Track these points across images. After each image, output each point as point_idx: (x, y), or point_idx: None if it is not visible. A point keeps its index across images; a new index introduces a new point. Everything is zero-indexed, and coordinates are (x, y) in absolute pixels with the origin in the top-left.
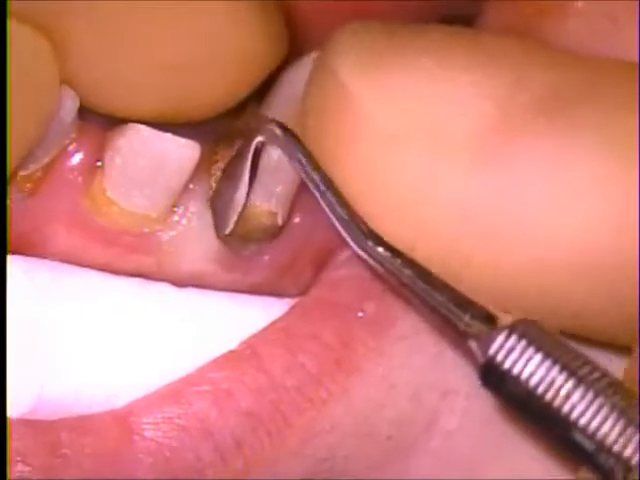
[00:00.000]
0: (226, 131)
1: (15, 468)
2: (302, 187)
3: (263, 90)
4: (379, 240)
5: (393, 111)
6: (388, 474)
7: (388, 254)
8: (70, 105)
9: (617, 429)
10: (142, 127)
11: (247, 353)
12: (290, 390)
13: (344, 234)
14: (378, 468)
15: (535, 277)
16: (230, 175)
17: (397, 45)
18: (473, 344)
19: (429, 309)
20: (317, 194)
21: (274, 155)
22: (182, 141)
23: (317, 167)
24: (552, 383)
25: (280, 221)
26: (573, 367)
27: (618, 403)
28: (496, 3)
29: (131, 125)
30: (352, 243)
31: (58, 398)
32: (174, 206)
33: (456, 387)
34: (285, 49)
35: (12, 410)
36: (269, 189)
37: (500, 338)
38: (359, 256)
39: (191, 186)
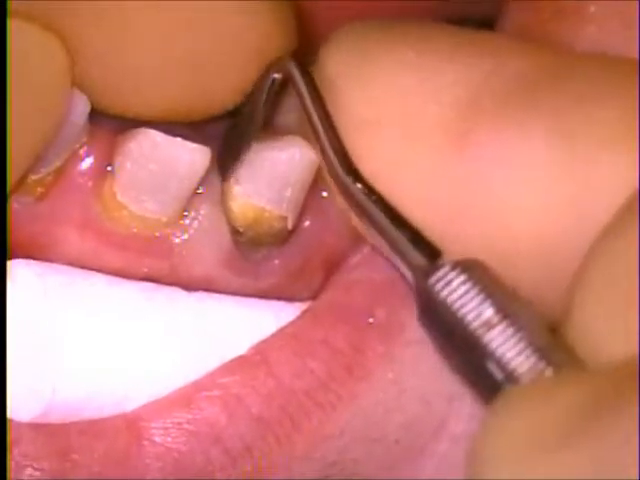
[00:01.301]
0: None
1: (24, 472)
2: (312, 191)
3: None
4: (359, 177)
5: (368, 98)
6: (397, 476)
7: (364, 190)
8: (81, 109)
9: (529, 362)
10: (153, 132)
11: (257, 358)
12: (299, 395)
13: (330, 165)
14: (387, 471)
15: (495, 262)
16: (241, 119)
17: (387, 40)
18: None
19: (388, 243)
20: (313, 130)
21: (283, 159)
22: (193, 146)
23: (321, 107)
24: (480, 315)
25: (290, 225)
26: (504, 304)
27: (537, 341)
28: (514, 6)
29: (142, 129)
30: (336, 175)
31: (69, 402)
32: (184, 210)
33: (462, 393)
34: (295, 44)
35: (23, 414)
36: (279, 193)
37: (443, 270)
38: (338, 188)
39: (201, 190)
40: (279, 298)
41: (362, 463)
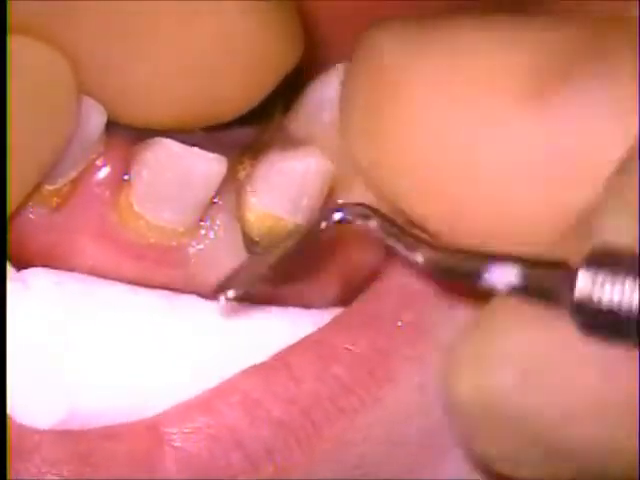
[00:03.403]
0: (251, 143)
1: (45, 478)
2: (327, 200)
3: (289, 101)
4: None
5: (434, 85)
6: (418, 477)
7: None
8: (97, 119)
9: None
10: (169, 141)
11: (278, 364)
12: (321, 399)
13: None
14: (408, 473)
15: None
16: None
17: (434, 31)
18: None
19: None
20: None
21: (299, 169)
22: (209, 155)
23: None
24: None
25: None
26: None
27: None
28: None
29: (158, 139)
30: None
31: (89, 409)
32: (201, 220)
33: None
34: (301, 50)
35: (43, 421)
36: (295, 203)
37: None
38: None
39: (217, 199)
40: (295, 305)
41: (384, 466)
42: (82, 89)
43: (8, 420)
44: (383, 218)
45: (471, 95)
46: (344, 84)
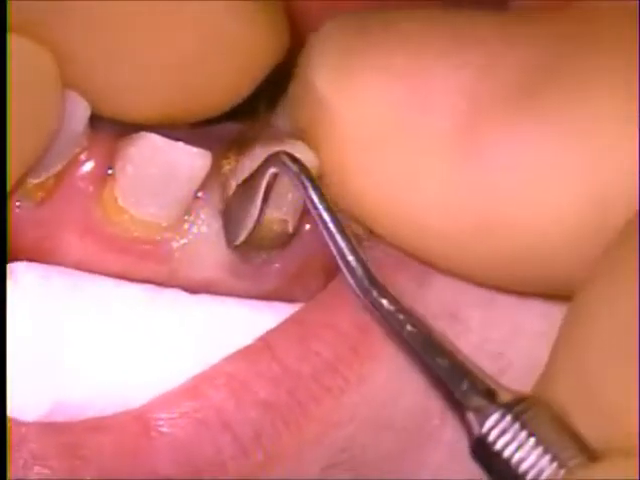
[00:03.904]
0: (236, 138)
1: (32, 471)
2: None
3: (274, 96)
4: (383, 291)
5: (359, 117)
6: (403, 464)
7: (391, 307)
8: (81, 114)
9: None
10: (153, 136)
11: (260, 345)
12: (306, 378)
13: (348, 279)
14: (395, 457)
15: (525, 263)
16: (242, 194)
17: (370, 44)
18: (469, 416)
19: (427, 372)
20: (325, 234)
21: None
22: (193, 150)
23: (328, 206)
24: (541, 472)
25: (291, 229)
26: (564, 456)
27: None
28: None
29: (142, 134)
30: (355, 288)
31: (74, 401)
32: (185, 214)
33: None
34: (287, 44)
35: (28, 414)
36: (280, 197)
37: (494, 417)
38: (360, 303)
39: (201, 194)
40: (280, 301)
41: (370, 449)
42: (67, 83)
43: (8, 421)
44: (303, 169)
45: (399, 138)
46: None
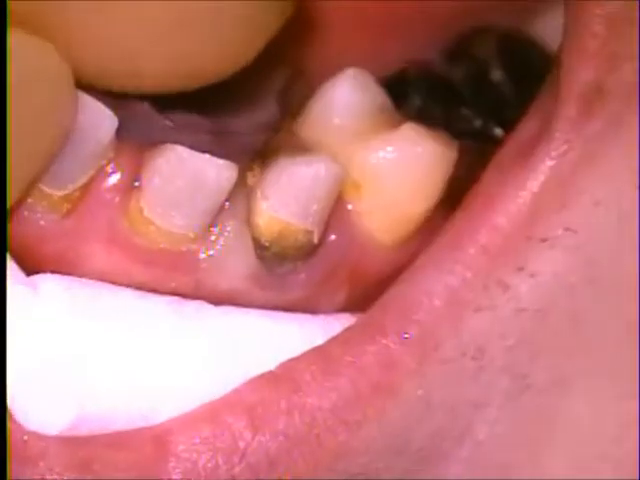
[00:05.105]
0: (261, 149)
1: None
2: (337, 205)
3: (297, 107)
4: None
5: None
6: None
7: None
8: (108, 125)
9: None
10: (180, 147)
11: (284, 375)
12: (325, 412)
13: None
14: (410, 476)
15: None
16: None
17: None
18: None
19: None
20: None
21: (309, 174)
22: (219, 161)
23: None
24: None
25: (316, 239)
26: None
27: None
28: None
29: (169, 145)
30: None
31: (96, 415)
32: (211, 225)
33: (489, 399)
34: (289, 12)
35: (50, 428)
36: (305, 208)
37: None
38: None
39: (227, 205)
40: (304, 311)
41: (386, 472)
42: (59, 50)
43: (8, 421)
44: None
45: None
46: None
